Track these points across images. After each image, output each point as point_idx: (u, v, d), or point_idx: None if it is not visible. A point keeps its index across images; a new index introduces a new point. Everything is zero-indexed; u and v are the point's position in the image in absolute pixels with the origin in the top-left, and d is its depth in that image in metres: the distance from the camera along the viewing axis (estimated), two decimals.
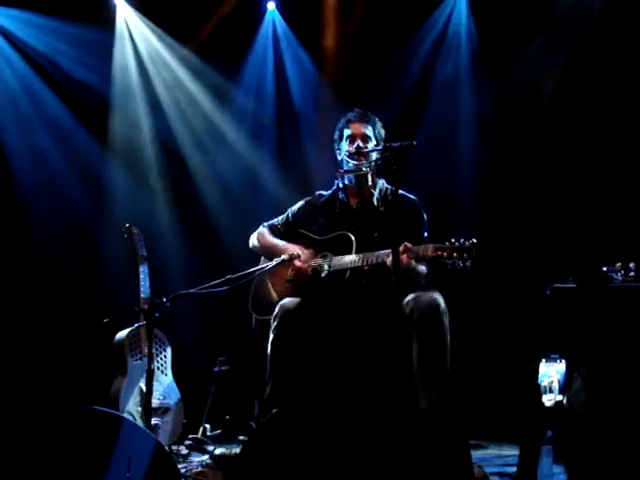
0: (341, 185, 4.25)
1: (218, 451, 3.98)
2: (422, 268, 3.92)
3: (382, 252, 3.84)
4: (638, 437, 2.29)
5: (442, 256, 3.67)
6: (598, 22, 5.09)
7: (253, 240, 4.37)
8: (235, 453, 3.81)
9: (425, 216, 4.15)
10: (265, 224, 4.39)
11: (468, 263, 3.62)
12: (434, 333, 3.71)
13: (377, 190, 4.18)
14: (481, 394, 4.80)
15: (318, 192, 4.38)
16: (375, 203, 4.16)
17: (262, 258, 4.31)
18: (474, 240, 3.64)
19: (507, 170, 5.20)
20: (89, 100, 5.53)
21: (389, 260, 3.70)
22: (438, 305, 3.75)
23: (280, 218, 4.38)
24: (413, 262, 3.78)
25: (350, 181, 4.20)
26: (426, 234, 4.09)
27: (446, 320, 3.76)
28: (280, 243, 4.22)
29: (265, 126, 5.72)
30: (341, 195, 4.25)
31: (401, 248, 3.67)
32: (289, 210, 4.39)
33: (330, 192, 4.32)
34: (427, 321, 3.70)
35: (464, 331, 4.13)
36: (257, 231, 4.38)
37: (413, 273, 3.84)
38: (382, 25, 5.45)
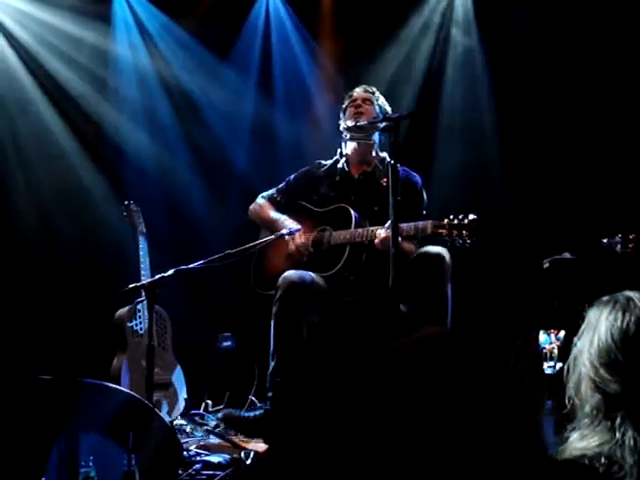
0: (344, 153, 4.20)
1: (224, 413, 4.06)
2: (410, 247, 3.88)
3: (369, 229, 3.84)
4: None
5: (441, 234, 3.61)
6: None
7: (252, 212, 4.31)
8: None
9: (425, 195, 4.12)
10: (264, 194, 4.31)
11: (468, 240, 3.55)
12: (437, 281, 3.74)
13: (380, 162, 4.14)
14: None
15: (318, 160, 4.32)
16: (377, 176, 4.12)
17: (262, 230, 4.24)
18: (474, 216, 3.55)
19: (506, 143, 5.18)
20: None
21: (377, 241, 3.72)
22: (444, 257, 3.76)
23: (278, 188, 4.31)
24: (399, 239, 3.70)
25: (352, 151, 4.16)
26: (424, 212, 4.05)
27: (449, 272, 3.77)
28: (280, 217, 4.15)
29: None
30: (342, 164, 4.20)
31: (384, 232, 3.66)
32: (287, 179, 4.32)
33: (331, 161, 4.26)
34: (431, 269, 3.73)
35: (463, 303, 4.11)
36: (255, 202, 4.31)
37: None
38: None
